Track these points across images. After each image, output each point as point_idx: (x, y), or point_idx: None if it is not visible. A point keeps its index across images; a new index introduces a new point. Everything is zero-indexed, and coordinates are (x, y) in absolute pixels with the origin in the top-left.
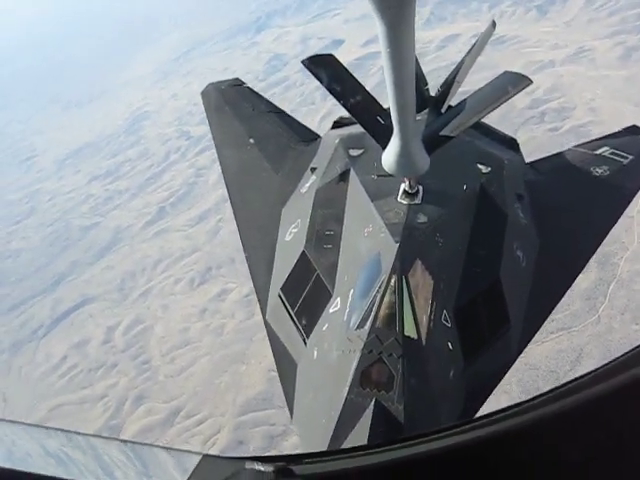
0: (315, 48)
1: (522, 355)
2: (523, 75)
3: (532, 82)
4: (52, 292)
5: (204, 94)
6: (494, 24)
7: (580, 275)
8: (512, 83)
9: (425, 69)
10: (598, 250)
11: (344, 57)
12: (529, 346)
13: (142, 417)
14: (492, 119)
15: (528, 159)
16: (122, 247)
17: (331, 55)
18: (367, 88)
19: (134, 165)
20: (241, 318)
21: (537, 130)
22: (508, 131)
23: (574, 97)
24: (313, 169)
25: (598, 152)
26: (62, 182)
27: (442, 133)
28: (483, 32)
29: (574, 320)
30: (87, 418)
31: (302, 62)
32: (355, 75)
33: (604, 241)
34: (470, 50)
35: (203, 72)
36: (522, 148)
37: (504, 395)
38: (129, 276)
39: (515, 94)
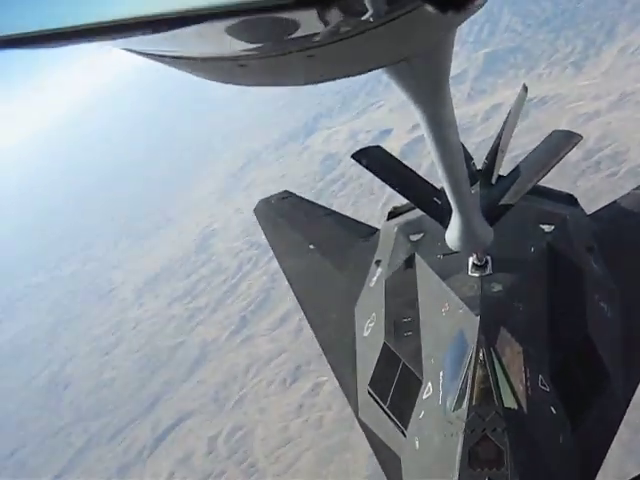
0: (365, 141)
1: None
2: (572, 132)
3: (582, 137)
4: (150, 413)
5: (257, 211)
6: (526, 88)
7: None
8: (563, 141)
9: (474, 141)
10: None
11: (395, 144)
12: None
13: None
14: (548, 176)
15: (593, 206)
16: (211, 360)
17: (378, 146)
18: (422, 169)
19: (209, 281)
20: (337, 409)
21: (595, 178)
22: (566, 184)
23: (626, 141)
24: (378, 262)
25: None
26: (144, 309)
27: (502, 202)
28: (516, 98)
29: None
30: None
31: (352, 156)
32: (409, 158)
33: None
34: (507, 118)
35: (262, 182)
36: (583, 197)
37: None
38: (222, 386)
39: (568, 152)
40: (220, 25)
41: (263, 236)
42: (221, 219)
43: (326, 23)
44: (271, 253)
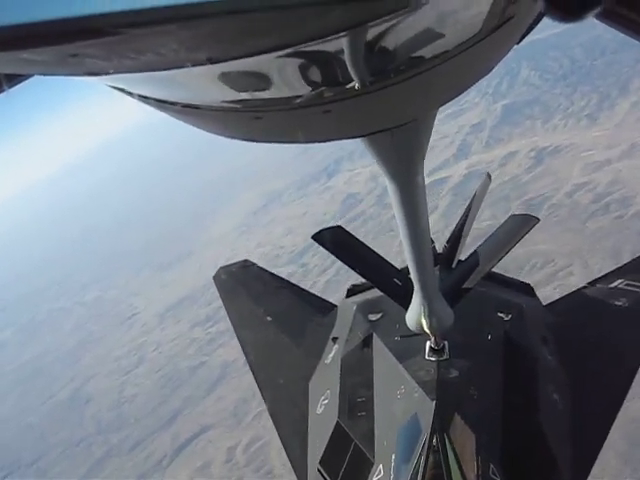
0: (386, 182)
1: (621, 410)
2: (529, 215)
3: (539, 220)
4: (170, 426)
5: (216, 279)
6: (489, 176)
7: None
8: (520, 225)
9: (491, 186)
10: None
11: None
12: (626, 403)
13: None
14: (560, 217)
15: (600, 245)
16: (231, 379)
17: (339, 227)
18: (439, 209)
19: None
20: None
21: (604, 220)
22: (576, 224)
23: (635, 187)
24: (334, 339)
25: (613, 285)
26: (165, 332)
27: (460, 286)
28: (479, 186)
29: None
30: None
31: (312, 237)
32: (427, 198)
33: None
34: (470, 204)
35: (283, 220)
36: (592, 236)
37: (610, 451)
38: (241, 402)
39: (525, 234)
40: (244, 68)
41: (283, 267)
42: (242, 252)
43: (348, 74)
44: (293, 280)
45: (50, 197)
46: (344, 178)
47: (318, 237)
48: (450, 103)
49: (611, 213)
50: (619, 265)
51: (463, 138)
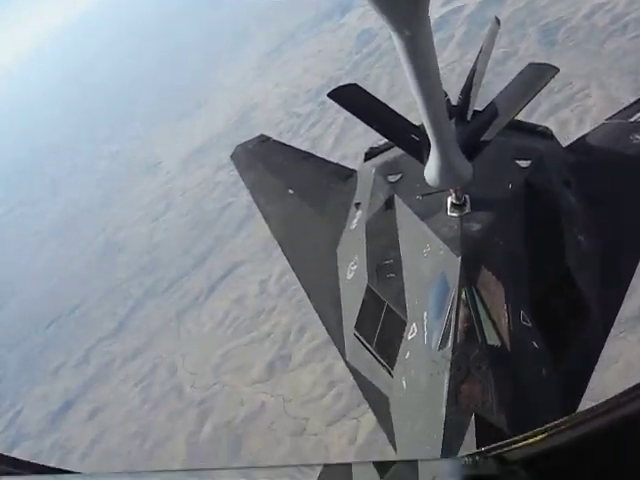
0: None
1: None
2: (548, 64)
3: (559, 70)
4: (202, 265)
5: (234, 157)
6: (498, 21)
7: None
8: (538, 75)
9: (506, 12)
10: None
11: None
12: None
13: (307, 343)
14: (577, 40)
15: (618, 64)
16: (259, 217)
17: (355, 84)
18: (455, 39)
19: None
20: None
21: (621, 40)
22: (593, 46)
23: None
24: (357, 204)
25: (633, 119)
26: (190, 177)
27: (479, 138)
28: (488, 31)
29: None
30: (257, 354)
31: (328, 95)
32: (443, 29)
33: None
34: (480, 52)
35: (299, 59)
36: (610, 56)
37: None
38: (270, 239)
39: (544, 86)
40: None
41: (301, 107)
42: (260, 94)
43: None
44: (311, 121)
45: (45, 62)
46: (357, 14)
47: (334, 94)
48: None
49: (629, 33)
50: (637, 87)
51: None
